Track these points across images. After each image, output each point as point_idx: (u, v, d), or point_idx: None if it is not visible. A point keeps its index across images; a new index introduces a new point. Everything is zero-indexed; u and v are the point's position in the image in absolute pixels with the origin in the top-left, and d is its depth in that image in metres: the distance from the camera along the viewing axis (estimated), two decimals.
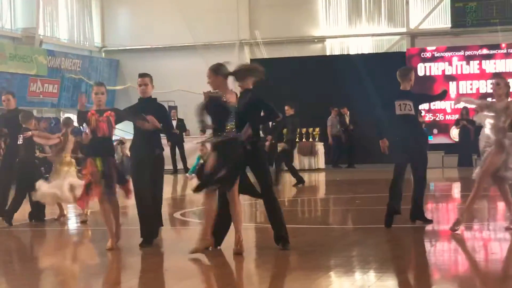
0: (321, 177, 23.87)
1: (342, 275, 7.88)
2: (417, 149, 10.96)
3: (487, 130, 10.23)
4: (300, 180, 19.33)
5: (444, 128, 28.05)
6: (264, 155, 9.72)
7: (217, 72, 9.08)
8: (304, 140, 26.46)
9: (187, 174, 20.55)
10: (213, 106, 8.85)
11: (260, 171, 9.11)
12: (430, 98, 17.53)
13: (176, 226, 12.89)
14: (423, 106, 24.95)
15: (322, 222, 13.05)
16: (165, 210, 14.48)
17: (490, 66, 27.71)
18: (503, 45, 27.95)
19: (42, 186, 12.32)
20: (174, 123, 24.06)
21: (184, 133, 26.12)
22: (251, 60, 30.50)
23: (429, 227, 10.78)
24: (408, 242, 10.22)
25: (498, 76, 11.05)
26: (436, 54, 28.27)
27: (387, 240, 9.54)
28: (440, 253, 9.34)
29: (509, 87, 10.38)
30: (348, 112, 27.48)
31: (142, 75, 9.94)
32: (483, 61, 27.87)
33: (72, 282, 8.19)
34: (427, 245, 9.94)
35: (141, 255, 9.30)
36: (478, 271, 8.13)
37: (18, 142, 12.67)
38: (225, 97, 8.86)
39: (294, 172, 19.65)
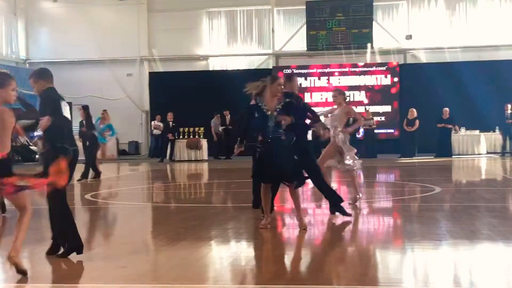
0: (205, 167, 23.84)
1: (220, 243, 7.83)
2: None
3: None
4: None
5: None
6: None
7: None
8: (191, 137, 26.61)
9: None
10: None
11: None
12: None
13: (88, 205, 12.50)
14: None
15: (206, 202, 13.00)
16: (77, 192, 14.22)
17: (336, 81, 28.33)
18: (346, 64, 28.67)
19: None
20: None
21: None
22: (150, 73, 30.33)
23: (284, 207, 10.87)
24: (272, 218, 10.27)
25: (336, 89, 11.47)
26: (295, 71, 28.66)
27: (254, 217, 9.56)
28: (293, 227, 9.43)
29: (344, 96, 10.98)
30: (229, 115, 27.58)
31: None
32: (331, 77, 28.48)
33: None
34: (288, 220, 10.02)
35: None
36: (313, 242, 8.24)
37: None
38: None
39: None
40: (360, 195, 11.06)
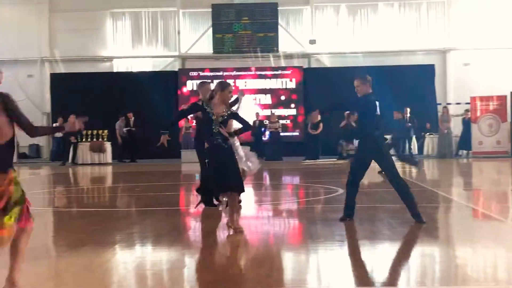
0: (108, 170, 23.45)
1: (124, 248, 7.73)
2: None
3: None
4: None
5: None
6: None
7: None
8: (95, 139, 26.13)
9: None
10: None
11: None
12: None
13: None
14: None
15: (110, 206, 12.77)
16: None
17: (242, 84, 28.48)
18: (252, 68, 28.88)
19: None
20: None
21: None
22: (51, 74, 29.56)
23: (193, 210, 10.85)
24: (177, 222, 10.24)
25: (238, 91, 11.59)
26: (202, 74, 28.65)
27: (159, 220, 9.49)
28: (199, 230, 9.43)
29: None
30: (133, 118, 27.25)
31: None
32: (237, 80, 28.62)
33: None
34: (193, 223, 10.00)
35: None
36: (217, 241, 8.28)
37: None
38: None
39: None
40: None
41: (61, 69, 30.01)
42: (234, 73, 28.84)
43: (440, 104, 28.39)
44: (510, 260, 6.58)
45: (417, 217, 8.76)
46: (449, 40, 29.59)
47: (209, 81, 12.80)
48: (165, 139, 8.84)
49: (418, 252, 7.24)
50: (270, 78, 28.76)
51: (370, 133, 8.94)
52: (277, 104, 28.64)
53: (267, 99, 28.75)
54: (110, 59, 30.27)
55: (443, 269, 6.39)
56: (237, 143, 10.79)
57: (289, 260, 7.00)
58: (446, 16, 29.61)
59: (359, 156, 9.29)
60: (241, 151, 10.91)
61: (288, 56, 29.39)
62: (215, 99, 8.38)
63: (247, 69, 28.88)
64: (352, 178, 9.07)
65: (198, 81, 28.47)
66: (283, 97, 28.75)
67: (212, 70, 28.82)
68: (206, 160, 8.46)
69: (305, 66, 29.34)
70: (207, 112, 8.30)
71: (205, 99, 8.61)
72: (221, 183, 8.22)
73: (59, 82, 29.34)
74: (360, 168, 9.07)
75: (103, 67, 30.10)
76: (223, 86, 8.49)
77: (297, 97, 28.71)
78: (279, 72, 28.86)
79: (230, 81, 28.60)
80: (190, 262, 7.03)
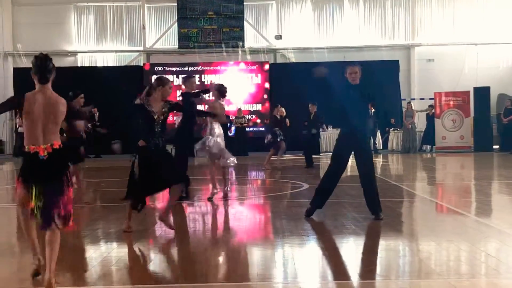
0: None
1: (88, 244, 7.67)
2: None
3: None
4: None
5: (171, 127, 28.29)
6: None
7: None
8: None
9: None
10: None
11: None
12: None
13: None
14: None
15: (74, 201, 12.61)
16: None
17: (208, 79, 28.39)
18: (218, 63, 28.83)
19: None
20: None
21: None
22: (14, 68, 29.14)
23: (156, 204, 10.81)
24: (141, 217, 10.17)
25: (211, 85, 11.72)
26: (167, 68, 28.51)
27: (122, 216, 9.42)
28: (163, 226, 9.39)
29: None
30: (98, 113, 27.02)
31: None
32: (202, 75, 28.52)
33: None
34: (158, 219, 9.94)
35: None
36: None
37: None
38: None
39: None
40: (217, 190, 11.55)
41: (25, 63, 29.56)
42: (200, 68, 28.75)
43: (404, 99, 28.66)
44: (473, 254, 6.68)
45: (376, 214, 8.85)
46: (414, 36, 29.87)
47: (194, 75, 12.99)
48: (118, 148, 8.76)
49: (382, 246, 7.31)
50: (235, 73, 28.72)
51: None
52: (243, 99, 28.61)
53: (233, 94, 28.70)
54: (74, 53, 29.95)
55: (407, 262, 6.46)
56: (218, 131, 10.84)
57: (254, 255, 7.00)
58: (410, 12, 29.88)
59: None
60: (222, 141, 10.98)
61: (254, 51, 29.39)
62: (154, 96, 8.01)
63: (213, 64, 28.80)
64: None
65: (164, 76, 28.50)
66: (249, 92, 28.75)
67: (178, 65, 28.69)
68: (134, 160, 7.87)
69: (271, 61, 29.37)
70: (148, 111, 7.91)
71: (142, 97, 8.04)
72: (154, 184, 7.88)
73: (22, 77, 28.85)
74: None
75: (67, 62, 29.77)
76: (164, 82, 8.16)
77: (263, 92, 28.72)
78: (245, 67, 28.85)
79: (196, 76, 28.70)
80: (155, 258, 6.99)
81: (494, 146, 26.55)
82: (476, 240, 7.38)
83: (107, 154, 26.55)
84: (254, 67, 28.84)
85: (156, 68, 28.61)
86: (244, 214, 10.28)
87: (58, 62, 30.11)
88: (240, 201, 11.71)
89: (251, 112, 28.54)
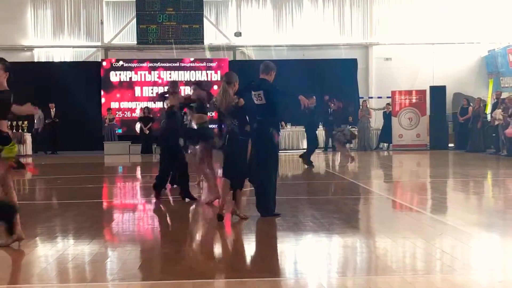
0: (29, 161, 22.88)
1: (44, 241, 7.56)
2: None
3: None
4: None
5: (129, 123, 28.13)
6: None
7: None
8: (14, 130, 25.49)
9: None
10: None
11: None
12: None
13: None
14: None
15: (29, 199, 12.47)
16: None
17: (166, 76, 28.27)
18: (177, 60, 28.71)
19: None
20: None
21: None
22: None
23: (118, 201, 10.73)
24: (99, 214, 10.09)
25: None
26: (125, 65, 28.31)
27: (79, 213, 9.34)
28: (123, 222, 9.32)
29: None
30: (54, 108, 26.72)
31: None
32: (161, 72, 28.37)
33: None
34: (115, 216, 9.88)
35: None
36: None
37: None
38: None
39: None
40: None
41: None
42: (158, 64, 28.59)
43: (362, 97, 28.93)
44: (429, 251, 6.77)
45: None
46: (371, 35, 30.16)
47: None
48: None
49: (339, 243, 7.36)
50: (194, 70, 28.64)
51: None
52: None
53: (192, 91, 28.57)
54: (30, 48, 29.47)
55: (364, 259, 6.52)
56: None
57: (215, 252, 7.00)
58: (368, 11, 30.15)
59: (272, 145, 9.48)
60: None
61: (214, 48, 29.33)
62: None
63: (172, 60, 28.67)
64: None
65: (122, 72, 28.34)
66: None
67: (136, 61, 28.49)
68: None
69: (231, 58, 29.35)
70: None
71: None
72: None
73: None
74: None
75: (23, 57, 29.25)
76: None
77: None
78: (204, 64, 28.77)
79: (154, 73, 28.55)
80: (112, 255, 6.93)
81: (450, 145, 26.97)
82: (431, 237, 7.48)
83: (64, 150, 26.28)
84: (214, 64, 28.79)
85: (115, 64, 28.35)
86: (199, 212, 10.24)
87: (14, 57, 29.82)
88: (199, 199, 11.66)
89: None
